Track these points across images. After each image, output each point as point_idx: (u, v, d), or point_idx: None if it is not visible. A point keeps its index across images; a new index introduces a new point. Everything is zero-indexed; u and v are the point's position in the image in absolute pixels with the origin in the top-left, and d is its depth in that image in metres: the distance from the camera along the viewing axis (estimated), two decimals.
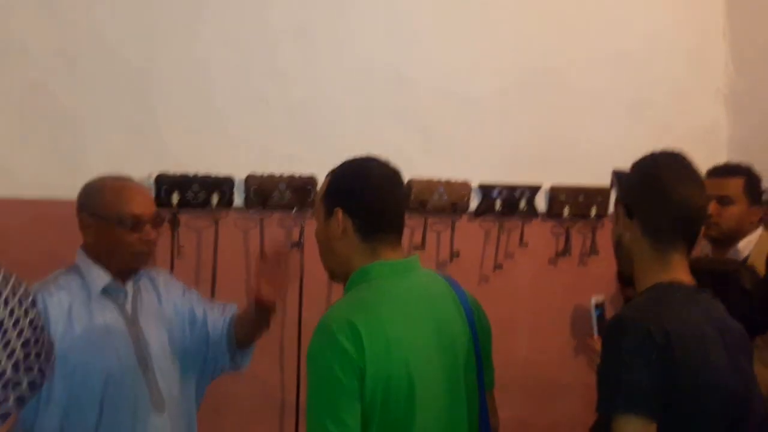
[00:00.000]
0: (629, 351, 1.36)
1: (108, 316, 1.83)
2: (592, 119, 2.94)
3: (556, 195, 2.88)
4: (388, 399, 1.37)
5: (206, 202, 2.39)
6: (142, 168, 2.34)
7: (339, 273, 1.55)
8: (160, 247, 2.33)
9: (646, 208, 1.49)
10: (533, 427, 2.81)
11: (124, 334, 1.84)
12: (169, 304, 1.97)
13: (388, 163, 1.56)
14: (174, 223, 2.34)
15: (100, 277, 1.83)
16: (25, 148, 2.23)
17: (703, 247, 2.68)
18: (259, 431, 2.53)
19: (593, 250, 2.97)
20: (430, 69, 2.71)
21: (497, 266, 2.82)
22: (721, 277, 1.80)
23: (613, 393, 1.36)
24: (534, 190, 2.85)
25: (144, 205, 1.86)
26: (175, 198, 2.35)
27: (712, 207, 2.43)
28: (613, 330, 1.42)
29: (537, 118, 2.86)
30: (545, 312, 2.91)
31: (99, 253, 1.85)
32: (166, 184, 2.35)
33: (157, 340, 1.89)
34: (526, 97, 2.84)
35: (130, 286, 1.90)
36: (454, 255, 2.74)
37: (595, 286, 2.79)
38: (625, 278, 1.63)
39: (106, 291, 1.84)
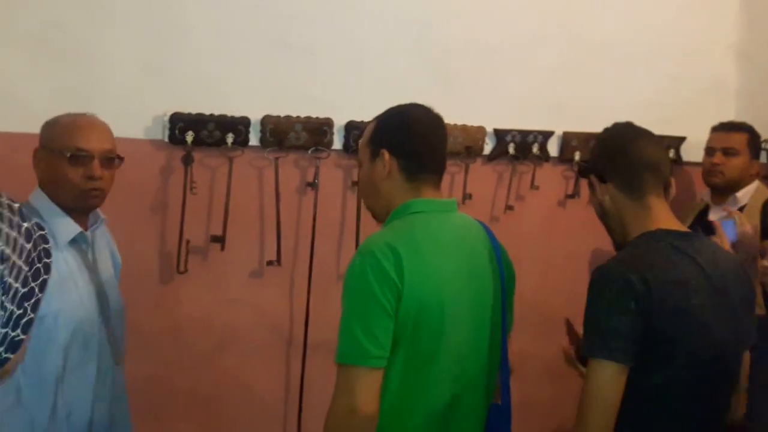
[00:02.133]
0: (610, 300, 1.44)
1: (72, 265, 1.73)
2: (604, 68, 2.96)
3: (568, 140, 2.92)
4: (419, 322, 1.44)
5: (221, 141, 2.40)
6: (157, 106, 2.35)
7: (381, 212, 1.61)
8: (173, 183, 2.39)
9: (614, 167, 1.62)
10: (537, 359, 2.92)
11: (88, 285, 1.76)
12: (113, 254, 1.96)
13: (431, 109, 1.63)
14: (187, 161, 2.36)
15: (67, 227, 1.74)
16: (38, 83, 2.22)
17: (703, 195, 2.88)
18: (266, 365, 2.59)
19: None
20: (449, 15, 2.70)
21: (508, 208, 2.87)
22: None
23: (593, 339, 1.45)
24: (547, 135, 2.89)
25: (94, 141, 1.75)
26: (189, 136, 2.35)
27: (718, 157, 2.74)
28: (596, 279, 1.50)
29: (552, 66, 2.88)
30: (553, 251, 2.97)
31: (47, 189, 1.75)
32: (180, 122, 2.35)
33: (113, 290, 1.85)
34: (542, 46, 2.85)
35: (89, 233, 1.80)
36: (466, 197, 2.77)
37: (601, 227, 2.83)
38: (621, 247, 1.70)
39: (72, 239, 1.75)
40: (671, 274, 1.47)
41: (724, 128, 2.78)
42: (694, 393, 1.48)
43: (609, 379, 1.41)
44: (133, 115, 2.34)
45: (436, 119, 1.62)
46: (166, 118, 2.35)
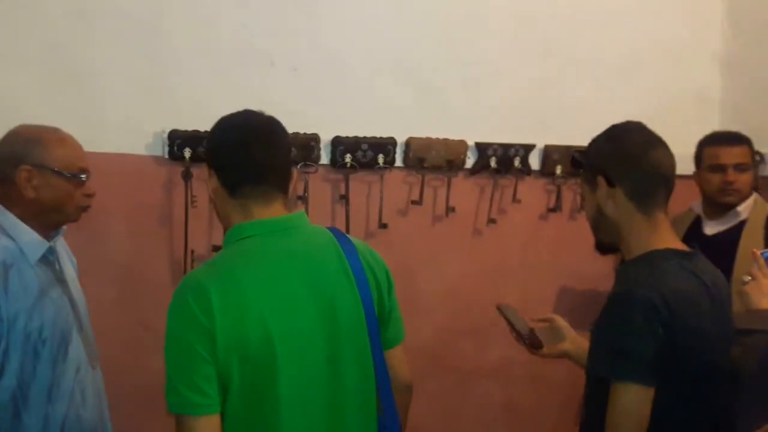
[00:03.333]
0: (636, 324, 1.43)
1: (44, 280, 1.73)
2: (586, 80, 2.98)
3: (549, 154, 2.94)
4: (246, 360, 1.32)
5: None
6: (156, 123, 2.45)
7: (226, 231, 1.49)
8: (175, 198, 2.49)
9: (628, 173, 1.54)
10: (518, 364, 2.95)
11: (61, 296, 1.78)
12: (70, 259, 1.98)
13: (260, 113, 1.50)
14: (187, 176, 2.45)
15: (37, 244, 1.72)
16: (43, 103, 2.30)
17: (693, 206, 2.75)
18: None
19: (583, 206, 3.03)
20: (430, 30, 2.77)
21: (491, 221, 2.90)
22: None
23: (619, 362, 1.44)
24: (528, 148, 2.92)
25: (84, 158, 1.79)
26: (187, 152, 2.44)
27: (732, 175, 2.53)
28: (620, 302, 1.48)
29: (533, 79, 2.91)
30: (534, 263, 3.01)
31: (36, 209, 1.72)
32: (178, 139, 2.44)
33: (79, 298, 1.88)
34: (523, 59, 2.89)
35: (53, 244, 1.81)
36: (449, 210, 2.83)
37: (582, 240, 2.90)
38: (604, 247, 1.66)
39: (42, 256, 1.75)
40: (686, 296, 1.47)
41: (728, 141, 2.57)
42: (694, 407, 1.51)
43: (638, 401, 1.42)
44: (135, 132, 2.45)
45: (263, 124, 1.47)
46: (165, 135, 2.45)
